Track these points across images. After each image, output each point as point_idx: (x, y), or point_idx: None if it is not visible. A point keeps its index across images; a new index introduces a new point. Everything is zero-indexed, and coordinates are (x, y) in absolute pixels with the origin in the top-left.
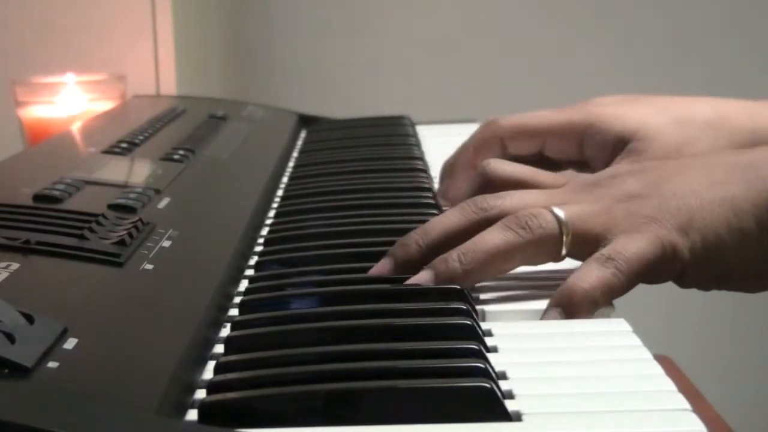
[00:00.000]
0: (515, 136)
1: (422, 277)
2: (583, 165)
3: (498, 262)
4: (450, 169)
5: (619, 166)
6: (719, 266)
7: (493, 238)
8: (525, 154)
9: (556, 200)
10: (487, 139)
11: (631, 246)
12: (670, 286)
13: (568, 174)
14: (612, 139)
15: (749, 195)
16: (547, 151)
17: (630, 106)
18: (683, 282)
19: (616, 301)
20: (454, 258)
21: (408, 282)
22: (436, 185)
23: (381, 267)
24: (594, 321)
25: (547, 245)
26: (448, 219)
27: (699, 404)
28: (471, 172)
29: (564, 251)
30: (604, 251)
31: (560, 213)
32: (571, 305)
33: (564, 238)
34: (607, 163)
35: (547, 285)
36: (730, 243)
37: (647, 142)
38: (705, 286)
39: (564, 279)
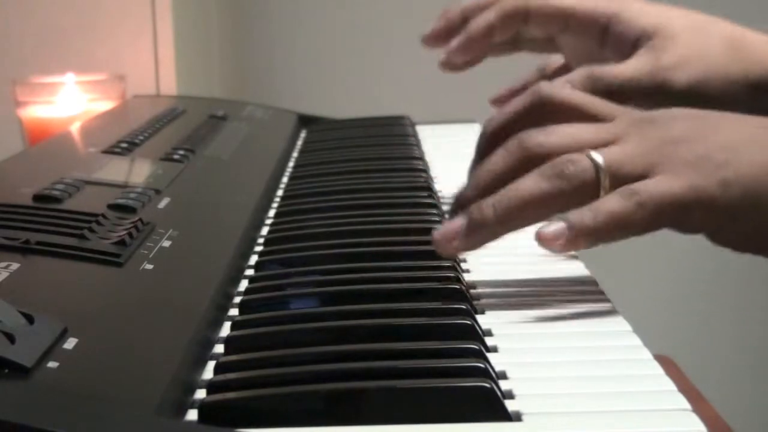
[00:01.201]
0: (541, 12)
1: (455, 224)
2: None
3: (533, 209)
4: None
5: (676, 110)
6: (760, 228)
7: (528, 186)
8: (542, 36)
9: (602, 138)
10: (513, 10)
11: (662, 185)
12: (670, 286)
13: (622, 108)
14: (635, 31)
15: None
16: (566, 36)
17: (654, 6)
18: (717, 238)
19: (615, 299)
20: (489, 204)
21: (440, 230)
22: (436, 185)
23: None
24: (594, 321)
25: (584, 192)
26: (494, 162)
27: (699, 404)
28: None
29: (602, 195)
30: (632, 185)
31: (599, 158)
32: (574, 232)
33: (602, 183)
34: (625, 56)
35: (547, 285)
36: None
37: (667, 41)
38: (741, 247)
39: (565, 283)
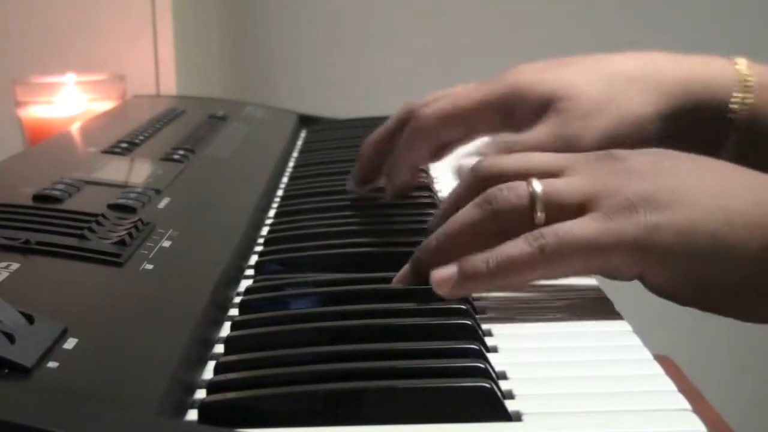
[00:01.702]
0: (443, 126)
1: (403, 270)
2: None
3: (467, 237)
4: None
5: (645, 149)
6: (694, 276)
7: (462, 213)
8: (455, 140)
9: (555, 166)
10: (416, 135)
11: (577, 229)
12: None
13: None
14: (535, 103)
15: (752, 216)
16: (477, 132)
17: (552, 70)
18: (652, 286)
19: (615, 299)
20: (430, 238)
21: (396, 277)
22: (436, 185)
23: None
24: (594, 321)
25: (515, 220)
26: (454, 195)
27: (699, 404)
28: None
29: (538, 225)
30: (542, 229)
31: (537, 187)
32: (467, 275)
33: (537, 214)
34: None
35: (547, 285)
36: (711, 254)
37: (572, 100)
38: (681, 299)
39: (565, 283)
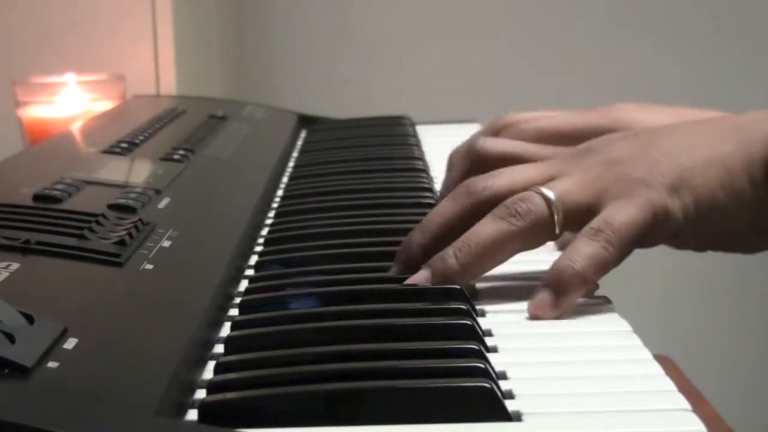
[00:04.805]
0: (537, 140)
1: (420, 277)
2: None
3: (494, 253)
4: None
5: (611, 135)
6: (714, 226)
7: (485, 229)
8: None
9: (546, 174)
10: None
11: (620, 214)
12: (669, 285)
13: (556, 147)
14: None
15: (741, 154)
16: None
17: (648, 113)
18: (678, 243)
19: (615, 299)
20: (450, 255)
21: (406, 282)
22: (436, 185)
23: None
24: (594, 321)
25: (541, 228)
26: (443, 210)
27: (699, 404)
28: None
29: (558, 230)
30: (593, 224)
31: (549, 193)
32: (561, 285)
33: (556, 218)
34: None
35: None
36: (724, 202)
37: None
38: (700, 247)
39: None
